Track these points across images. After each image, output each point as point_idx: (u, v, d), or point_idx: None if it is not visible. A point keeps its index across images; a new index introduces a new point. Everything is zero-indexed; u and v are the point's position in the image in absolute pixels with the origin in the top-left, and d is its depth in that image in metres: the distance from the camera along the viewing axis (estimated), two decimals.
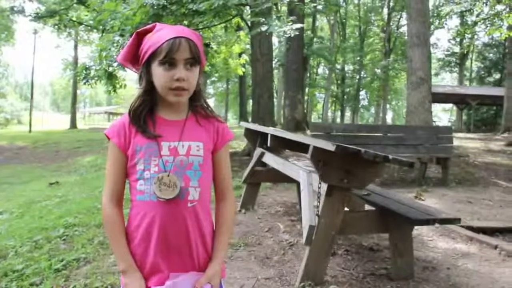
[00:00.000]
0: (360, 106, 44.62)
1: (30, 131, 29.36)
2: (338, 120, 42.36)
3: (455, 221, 3.30)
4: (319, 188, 3.06)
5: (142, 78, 1.42)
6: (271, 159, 4.86)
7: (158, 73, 1.37)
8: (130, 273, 1.39)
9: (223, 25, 11.42)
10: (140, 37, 1.43)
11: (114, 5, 8.42)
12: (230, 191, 1.57)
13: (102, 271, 3.38)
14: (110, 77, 9.78)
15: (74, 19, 21.49)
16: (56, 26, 21.85)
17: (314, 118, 48.23)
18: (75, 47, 35.03)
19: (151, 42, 1.38)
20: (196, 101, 1.48)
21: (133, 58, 1.46)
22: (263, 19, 8.13)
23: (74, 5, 20.92)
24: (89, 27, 21.31)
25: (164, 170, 1.37)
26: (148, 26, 1.45)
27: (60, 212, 5.63)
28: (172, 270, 1.40)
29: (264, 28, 8.01)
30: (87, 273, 3.37)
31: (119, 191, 1.45)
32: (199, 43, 1.41)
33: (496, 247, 4.17)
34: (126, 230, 1.45)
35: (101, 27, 9.38)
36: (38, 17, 20.09)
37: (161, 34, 1.37)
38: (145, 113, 1.42)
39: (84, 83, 11.16)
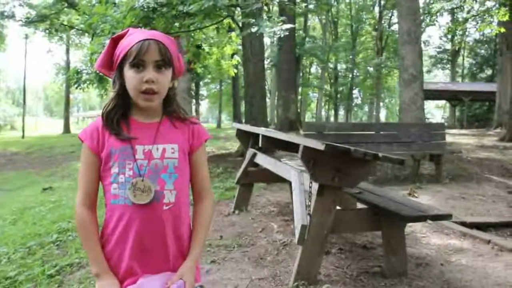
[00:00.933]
0: (353, 104, 44.65)
1: (23, 136, 29.22)
2: (332, 119, 42.41)
3: (446, 217, 3.32)
4: (310, 187, 3.07)
5: (116, 81, 1.43)
6: (263, 160, 4.86)
7: (129, 76, 1.38)
8: (104, 277, 1.39)
9: (214, 26, 11.41)
10: (115, 42, 1.45)
11: (104, 8, 8.41)
12: (208, 192, 1.58)
13: None
14: (102, 81, 9.73)
15: (65, 23, 21.41)
16: (47, 31, 21.79)
17: (308, 117, 48.27)
18: (67, 51, 34.88)
19: (122, 46, 1.40)
20: (169, 106, 1.49)
21: (110, 64, 1.47)
22: (253, 20, 8.12)
23: (65, 9, 20.84)
24: (80, 31, 21.23)
25: (139, 174, 1.37)
26: (121, 32, 1.47)
27: (54, 217, 5.61)
28: (147, 273, 1.39)
29: (254, 29, 8.01)
30: (81, 278, 3.37)
31: (92, 194, 1.45)
32: (171, 47, 1.42)
33: (489, 242, 4.20)
34: (102, 234, 1.45)
35: (91, 30, 9.34)
36: (29, 22, 20.02)
37: (132, 37, 1.39)
38: (118, 116, 1.42)
39: (76, 87, 11.12)
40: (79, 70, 10.43)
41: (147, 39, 1.36)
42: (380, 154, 2.67)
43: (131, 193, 1.35)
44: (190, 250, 1.47)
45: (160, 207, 1.38)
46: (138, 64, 1.36)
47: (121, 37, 1.44)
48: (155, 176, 1.39)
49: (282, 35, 8.37)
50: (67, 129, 35.76)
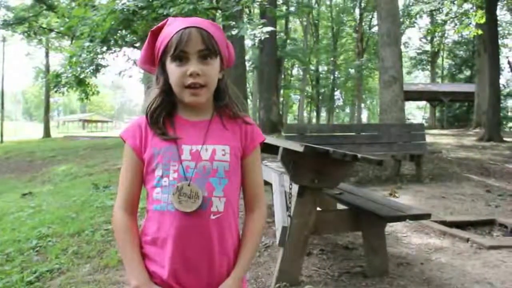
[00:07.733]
0: (335, 106, 44.98)
1: (1, 141, 28.75)
2: (314, 120, 42.61)
3: (425, 216, 3.36)
4: (290, 189, 3.08)
5: (159, 78, 1.30)
6: None
7: (171, 70, 1.24)
8: None
9: None
10: (155, 35, 1.31)
11: (83, 11, 8.35)
12: (261, 202, 1.38)
13: (77, 281, 3.33)
14: (81, 84, 9.66)
15: (44, 26, 21.15)
16: (26, 33, 21.48)
17: (290, 119, 48.39)
18: (47, 54, 34.39)
19: (162, 38, 1.27)
20: (220, 100, 1.33)
21: (152, 59, 1.33)
22: (234, 23, 8.13)
23: (44, 11, 20.58)
24: (60, 34, 21.01)
25: (185, 177, 1.22)
26: (161, 23, 1.33)
27: (33, 223, 5.51)
28: None
29: (234, 31, 8.01)
30: (61, 284, 3.32)
31: (133, 198, 1.31)
32: (217, 34, 1.28)
33: (468, 240, 4.26)
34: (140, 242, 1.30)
35: (71, 33, 9.27)
36: (6, 25, 19.71)
37: (171, 27, 1.26)
38: (164, 114, 1.29)
39: (56, 91, 11.02)
40: (58, 74, 10.34)
41: (188, 27, 1.22)
42: (359, 155, 2.69)
43: (176, 199, 1.20)
44: (235, 266, 1.29)
45: (207, 216, 1.22)
46: (180, 57, 1.22)
47: (160, 28, 1.30)
48: (203, 180, 1.23)
49: (262, 38, 8.39)
50: (47, 133, 35.21)
